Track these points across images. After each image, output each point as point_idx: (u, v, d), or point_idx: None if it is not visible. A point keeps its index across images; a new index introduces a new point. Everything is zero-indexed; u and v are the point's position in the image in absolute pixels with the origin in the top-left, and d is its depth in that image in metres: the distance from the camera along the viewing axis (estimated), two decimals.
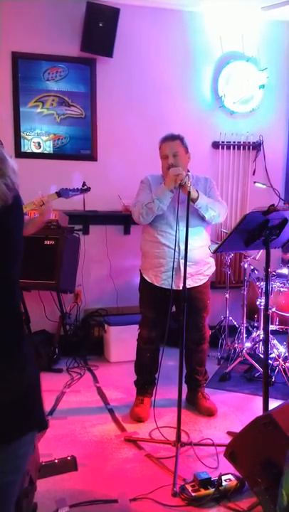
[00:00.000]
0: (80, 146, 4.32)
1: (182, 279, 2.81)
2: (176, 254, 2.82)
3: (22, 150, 4.18)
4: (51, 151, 4.26)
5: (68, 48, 4.12)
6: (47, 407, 3.18)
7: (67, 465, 2.48)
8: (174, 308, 2.92)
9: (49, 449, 2.61)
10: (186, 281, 2.62)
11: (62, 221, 3.93)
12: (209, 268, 3.08)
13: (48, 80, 4.17)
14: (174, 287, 2.82)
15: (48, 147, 4.25)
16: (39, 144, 4.22)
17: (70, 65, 4.19)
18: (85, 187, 3.17)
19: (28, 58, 4.09)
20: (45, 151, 4.24)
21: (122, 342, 3.87)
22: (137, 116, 4.37)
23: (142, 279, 3.07)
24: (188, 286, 2.68)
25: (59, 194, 3.06)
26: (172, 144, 2.92)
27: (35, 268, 3.76)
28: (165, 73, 4.40)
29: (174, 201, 2.85)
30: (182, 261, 2.80)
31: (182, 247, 2.77)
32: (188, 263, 2.62)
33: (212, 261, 3.11)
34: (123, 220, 4.36)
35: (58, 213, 3.89)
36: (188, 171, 2.88)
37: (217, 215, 2.92)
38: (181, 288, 2.81)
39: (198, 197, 2.80)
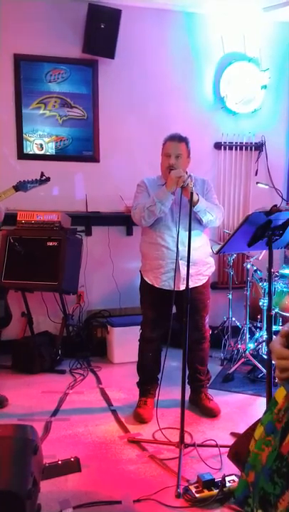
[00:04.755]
0: (82, 148, 4.32)
1: (182, 280, 2.82)
2: (175, 255, 2.83)
3: (24, 152, 4.18)
4: (53, 153, 4.26)
5: (70, 49, 4.13)
6: (50, 408, 3.19)
7: (71, 466, 2.48)
8: (174, 309, 2.92)
9: (52, 450, 2.61)
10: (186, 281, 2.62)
11: (65, 222, 3.94)
12: (209, 268, 3.08)
13: (50, 81, 4.17)
14: (175, 288, 2.82)
15: (50, 149, 4.25)
16: (41, 145, 4.23)
17: (72, 66, 4.20)
18: (44, 177, 3.12)
19: (30, 60, 4.10)
20: (48, 153, 4.25)
21: (125, 343, 3.87)
22: (139, 117, 4.37)
23: (142, 280, 3.08)
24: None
25: (17, 188, 3.02)
26: (178, 145, 2.91)
27: (37, 269, 3.77)
28: (167, 74, 4.40)
29: (172, 203, 2.86)
30: (181, 262, 2.82)
31: (180, 248, 2.78)
32: (186, 264, 2.62)
33: (212, 261, 3.12)
34: (125, 220, 4.36)
35: (60, 214, 3.90)
36: (189, 174, 2.88)
37: (214, 219, 2.93)
38: (181, 289, 2.82)
39: (198, 200, 2.80)
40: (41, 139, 4.22)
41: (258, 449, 1.17)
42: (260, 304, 3.80)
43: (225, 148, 4.62)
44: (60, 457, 2.52)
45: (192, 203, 2.67)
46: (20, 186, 3.04)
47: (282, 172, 4.83)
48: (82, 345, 4.19)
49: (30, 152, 4.21)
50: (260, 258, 3.92)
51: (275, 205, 2.47)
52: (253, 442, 1.23)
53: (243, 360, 3.73)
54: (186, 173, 2.87)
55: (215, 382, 3.60)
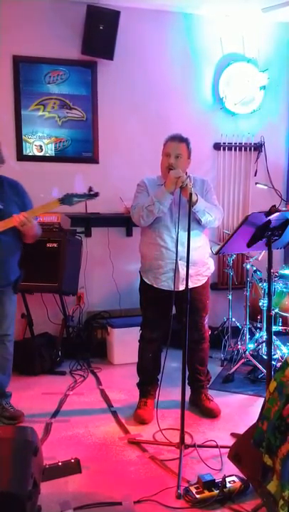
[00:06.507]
0: (81, 149, 4.32)
1: (181, 280, 2.82)
2: (174, 255, 2.83)
3: (24, 153, 4.19)
4: (53, 154, 4.27)
5: (69, 51, 4.13)
6: (50, 409, 3.19)
7: (71, 467, 2.48)
8: (174, 310, 2.92)
9: (53, 451, 2.61)
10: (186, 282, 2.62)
11: (64, 223, 3.94)
12: (208, 269, 3.08)
13: (49, 83, 4.18)
14: (174, 289, 2.82)
15: (49, 150, 4.26)
16: (41, 147, 4.23)
17: (71, 67, 4.20)
18: (92, 192, 2.87)
19: (29, 62, 4.10)
20: (47, 154, 4.25)
21: (125, 344, 3.87)
22: (138, 118, 4.38)
23: (142, 280, 3.08)
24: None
25: (62, 201, 2.84)
26: (178, 145, 2.91)
27: (37, 271, 3.76)
28: (166, 75, 4.41)
29: (171, 203, 2.86)
30: (180, 262, 2.82)
31: (180, 249, 2.79)
32: (186, 264, 2.62)
33: (211, 262, 3.12)
34: (125, 222, 4.37)
35: (60, 216, 3.90)
36: (188, 175, 2.89)
37: (213, 219, 2.93)
38: (180, 289, 2.82)
39: (197, 200, 2.80)
40: (41, 141, 4.23)
41: (270, 404, 1.50)
42: (260, 304, 3.80)
43: (224, 149, 4.62)
44: (60, 458, 2.52)
45: (191, 203, 2.67)
46: (66, 200, 2.83)
47: (282, 172, 4.83)
48: (83, 346, 4.19)
49: (30, 154, 4.21)
50: (259, 258, 3.92)
51: (275, 206, 2.47)
52: (268, 394, 1.54)
53: (243, 360, 3.73)
54: (186, 173, 2.88)
55: (215, 382, 3.60)
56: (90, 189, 2.90)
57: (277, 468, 1.38)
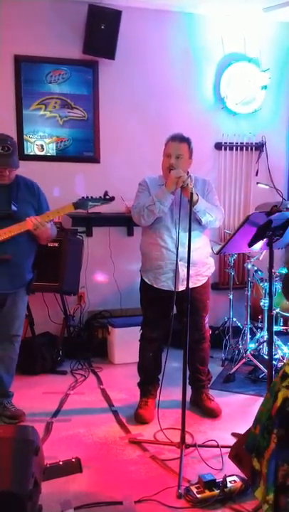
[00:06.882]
0: (82, 148, 4.32)
1: (181, 280, 2.82)
2: (175, 256, 2.83)
3: (25, 153, 4.18)
4: (54, 154, 4.27)
5: (70, 50, 4.13)
6: (51, 409, 3.19)
7: (72, 467, 2.48)
8: (174, 309, 2.92)
9: (53, 451, 2.61)
10: (186, 282, 2.62)
11: (66, 223, 3.94)
12: (208, 269, 3.08)
13: (51, 82, 4.18)
14: (174, 289, 2.82)
15: (51, 149, 4.26)
16: (42, 146, 4.23)
17: (73, 67, 4.20)
18: (108, 197, 2.85)
19: (31, 61, 4.10)
20: (48, 154, 4.25)
21: (126, 344, 3.87)
22: (140, 117, 4.38)
23: (142, 280, 3.08)
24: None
25: (76, 206, 2.80)
26: (179, 146, 2.90)
27: (38, 270, 3.75)
28: (167, 75, 4.41)
29: (171, 203, 2.86)
30: (180, 263, 2.81)
31: (180, 249, 2.79)
32: (186, 265, 2.62)
33: (211, 261, 3.12)
34: (126, 221, 4.37)
35: (61, 215, 3.89)
36: (189, 175, 2.88)
37: (213, 220, 2.93)
38: (180, 289, 2.82)
39: (197, 200, 2.79)
40: (42, 140, 4.23)
41: (262, 407, 1.47)
42: (261, 304, 3.80)
43: (225, 149, 4.62)
44: (61, 458, 2.51)
45: (192, 203, 2.67)
46: (81, 204, 2.81)
47: (283, 172, 4.83)
48: (83, 346, 4.19)
49: (31, 153, 4.21)
50: (260, 258, 3.92)
51: (276, 206, 2.47)
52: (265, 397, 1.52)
53: (244, 360, 3.73)
54: (187, 173, 2.87)
55: (216, 382, 3.60)
56: (106, 193, 2.90)
57: (264, 471, 1.34)
